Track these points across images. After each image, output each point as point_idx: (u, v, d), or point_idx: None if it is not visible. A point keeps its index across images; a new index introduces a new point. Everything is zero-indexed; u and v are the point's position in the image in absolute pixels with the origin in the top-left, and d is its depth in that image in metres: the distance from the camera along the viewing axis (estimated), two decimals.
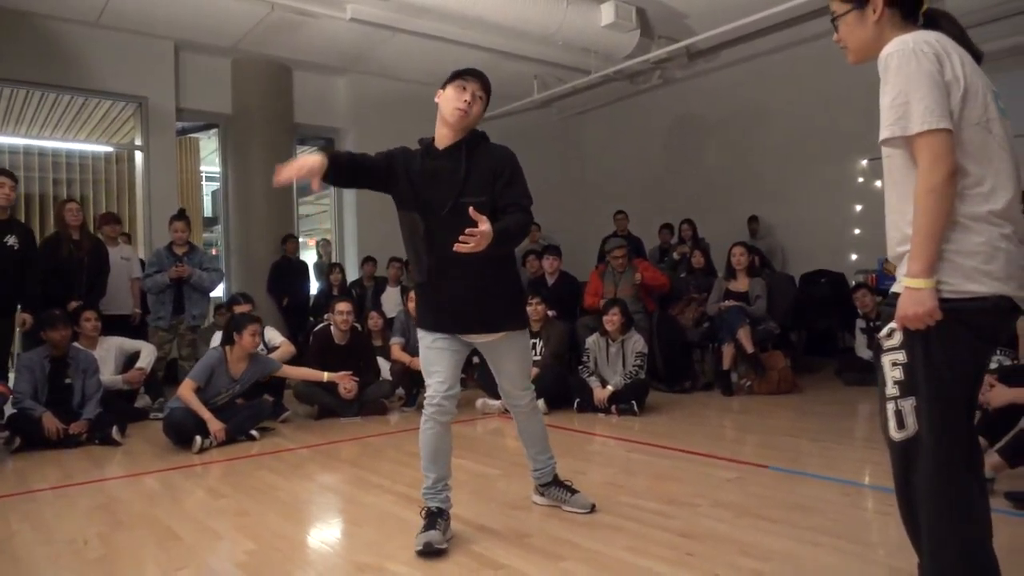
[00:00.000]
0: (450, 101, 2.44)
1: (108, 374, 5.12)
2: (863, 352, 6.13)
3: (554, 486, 2.90)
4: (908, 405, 1.55)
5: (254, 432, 4.56)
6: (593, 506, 2.82)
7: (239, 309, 5.26)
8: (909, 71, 1.53)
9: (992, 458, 2.88)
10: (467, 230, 2.17)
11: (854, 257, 7.69)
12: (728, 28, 6.91)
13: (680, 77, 9.13)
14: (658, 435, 4.35)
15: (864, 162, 7.70)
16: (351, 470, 3.77)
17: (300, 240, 7.94)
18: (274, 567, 2.40)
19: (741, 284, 6.04)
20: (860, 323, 6.23)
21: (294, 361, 5.48)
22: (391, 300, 7.48)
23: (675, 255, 8.07)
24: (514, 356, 2.69)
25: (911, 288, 1.52)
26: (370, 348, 5.65)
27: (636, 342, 5.23)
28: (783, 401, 5.41)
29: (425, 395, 2.58)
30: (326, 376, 4.95)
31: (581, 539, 2.55)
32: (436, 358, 2.55)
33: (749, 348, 5.64)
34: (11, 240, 4.75)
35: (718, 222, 8.43)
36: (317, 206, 13.66)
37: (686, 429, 4.55)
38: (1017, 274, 1.54)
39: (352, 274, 8.43)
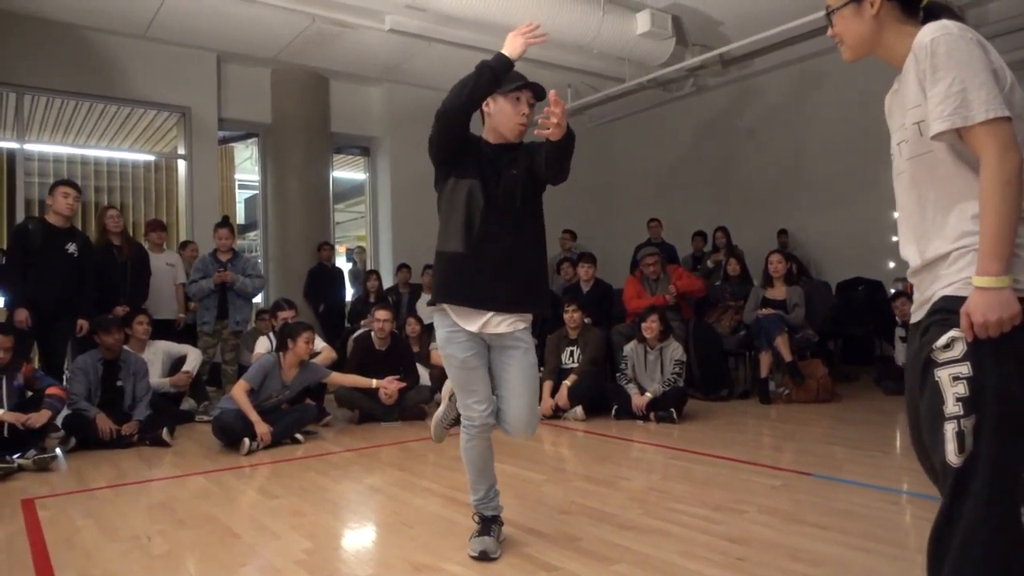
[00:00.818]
0: (509, 117, 2.41)
1: (155, 377, 5.27)
2: (901, 360, 6.07)
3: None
4: (970, 425, 1.37)
5: (298, 435, 4.66)
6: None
7: (283, 315, 5.38)
8: (961, 57, 1.41)
9: None
10: (547, 109, 2.18)
11: (892, 265, 7.61)
12: (763, 36, 6.91)
13: (713, 84, 9.13)
14: (697, 442, 4.37)
15: None
16: (396, 473, 3.84)
17: (328, 246, 8.07)
18: (333, 565, 2.47)
19: (778, 292, 6.03)
20: (900, 331, 6.18)
21: (334, 366, 5.60)
22: (426, 307, 7.57)
23: (709, 263, 8.06)
24: (523, 365, 2.45)
25: (987, 288, 1.35)
26: (409, 353, 5.74)
27: (675, 350, 5.25)
28: (822, 409, 5.38)
29: (461, 412, 2.50)
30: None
31: (631, 543, 2.59)
32: (471, 378, 2.43)
33: (787, 356, 5.62)
34: (72, 247, 4.93)
35: (752, 229, 8.41)
36: (351, 213, 13.86)
37: (725, 437, 4.55)
38: None
39: (387, 281, 8.54)
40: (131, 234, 6.14)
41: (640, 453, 4.26)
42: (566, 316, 5.57)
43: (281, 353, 4.72)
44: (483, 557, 2.44)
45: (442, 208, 2.49)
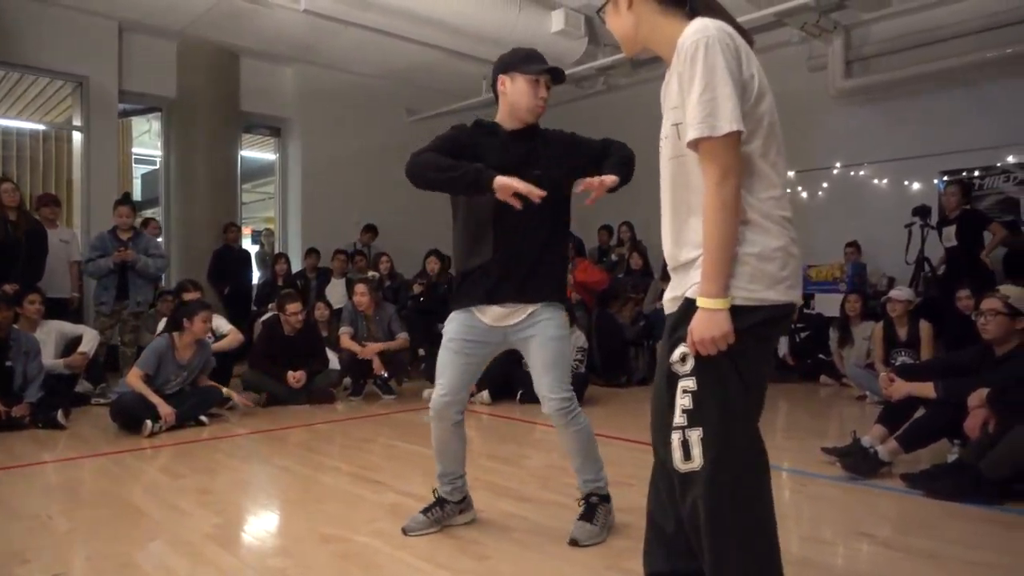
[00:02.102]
0: (526, 97, 2.35)
1: (48, 358, 5.06)
2: (782, 352, 6.61)
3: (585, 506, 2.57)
4: (696, 436, 1.47)
5: (203, 418, 4.62)
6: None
7: (188, 296, 5.29)
8: (715, 63, 1.41)
9: (890, 444, 3.27)
10: (586, 182, 2.18)
11: None
12: None
13: (624, 84, 9.48)
14: (596, 424, 4.57)
15: (791, 174, 8.23)
16: (304, 453, 3.90)
17: (234, 227, 7.90)
18: (243, 539, 2.54)
19: None
20: None
21: (241, 350, 5.56)
22: (336, 292, 7.55)
23: (613, 256, 8.41)
24: (545, 340, 2.41)
25: (704, 309, 1.43)
26: (319, 338, 5.75)
27: (577, 338, 5.51)
28: None
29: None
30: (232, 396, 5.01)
31: (529, 513, 2.79)
32: (447, 362, 2.47)
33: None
34: None
35: (658, 225, 8.78)
36: (257, 194, 13.50)
37: (622, 420, 4.85)
38: (799, 283, 1.52)
39: (295, 265, 8.44)
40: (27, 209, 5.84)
41: (542, 435, 4.48)
42: None
43: (176, 334, 4.64)
44: (405, 531, 2.55)
45: (458, 216, 2.45)
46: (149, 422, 4.26)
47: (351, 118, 9.10)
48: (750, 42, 1.53)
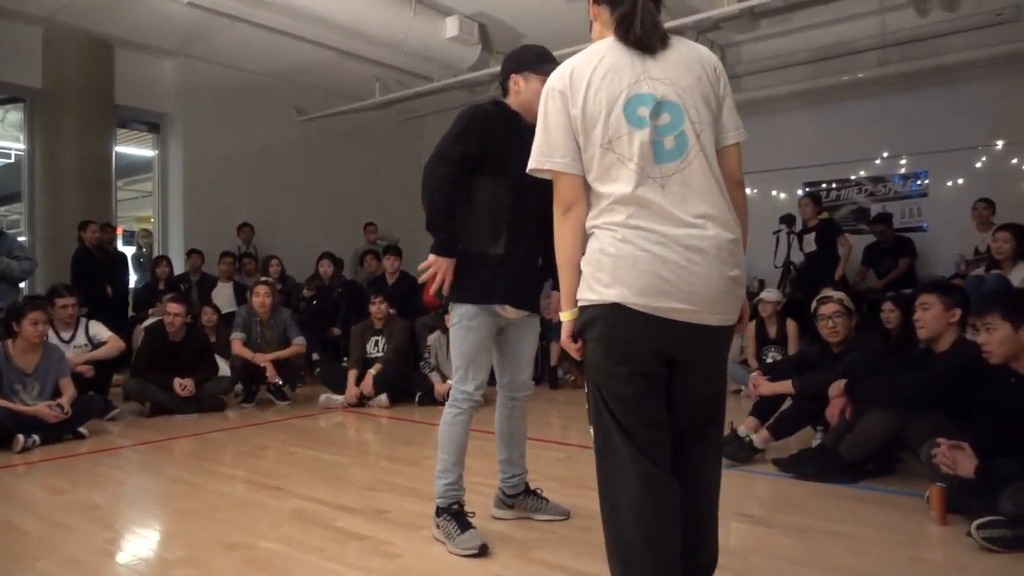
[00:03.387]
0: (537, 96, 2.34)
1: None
2: None
3: (526, 495, 2.79)
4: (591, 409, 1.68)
5: (82, 430, 4.35)
6: (568, 513, 2.75)
7: (61, 303, 4.95)
8: (545, 109, 1.65)
9: (762, 433, 3.59)
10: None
11: None
12: (562, 52, 7.52)
13: None
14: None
15: None
16: (196, 463, 3.78)
17: (109, 227, 7.35)
18: (141, 551, 2.46)
19: None
20: None
21: (122, 357, 5.27)
22: (223, 296, 7.27)
23: None
24: (534, 339, 2.67)
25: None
26: (206, 343, 5.55)
27: None
28: None
29: (458, 388, 2.53)
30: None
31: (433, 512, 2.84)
32: (483, 355, 2.52)
33: None
34: None
35: None
36: (130, 192, 12.72)
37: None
38: (631, 280, 1.52)
39: (177, 267, 8.04)
40: None
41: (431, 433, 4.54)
42: (372, 308, 5.72)
43: (10, 341, 4.30)
44: (483, 552, 2.36)
45: (476, 203, 2.43)
46: (21, 436, 3.98)
47: (237, 116, 8.78)
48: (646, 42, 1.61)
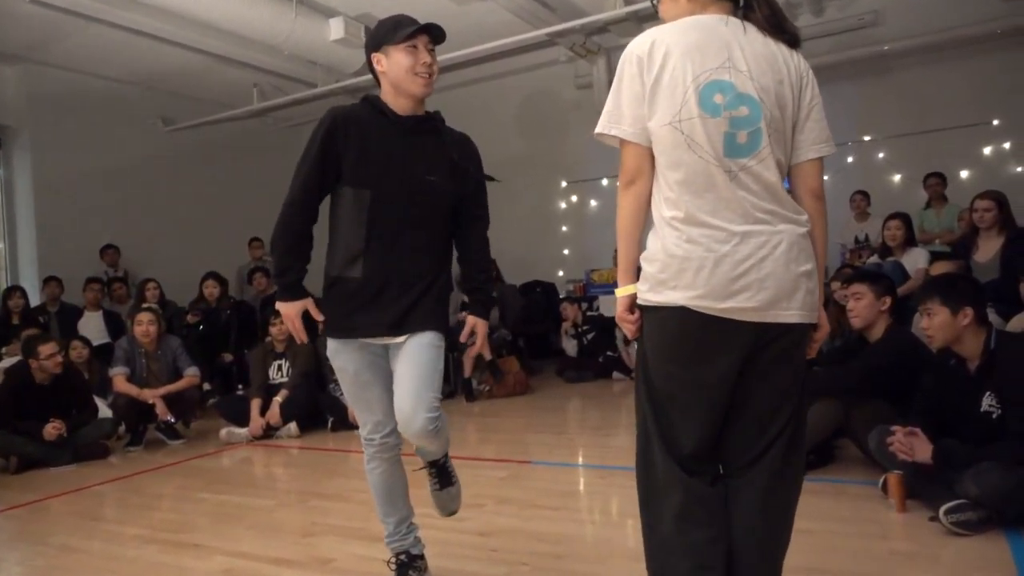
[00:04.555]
0: (408, 70, 2.02)
1: None
2: (572, 352, 6.96)
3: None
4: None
5: None
6: None
7: None
8: (620, 74, 1.56)
9: None
10: (469, 339, 2.15)
11: (561, 272, 8.70)
12: (450, 56, 7.32)
13: None
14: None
15: (563, 183, 8.78)
16: (86, 524, 3.27)
17: None
18: None
19: None
20: (567, 328, 7.05)
21: None
22: (92, 327, 6.51)
23: None
24: (421, 357, 2.07)
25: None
26: (82, 382, 4.90)
27: None
28: (519, 401, 5.91)
29: (360, 433, 2.22)
30: None
31: (384, 554, 2.53)
32: (363, 394, 2.14)
33: (487, 355, 6.05)
34: None
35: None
36: None
37: None
38: (700, 284, 1.47)
39: (32, 298, 7.13)
40: None
41: (359, 463, 4.21)
42: (272, 329, 5.28)
43: None
44: None
45: (338, 218, 2.10)
46: None
47: (94, 127, 7.92)
48: (786, 33, 1.58)
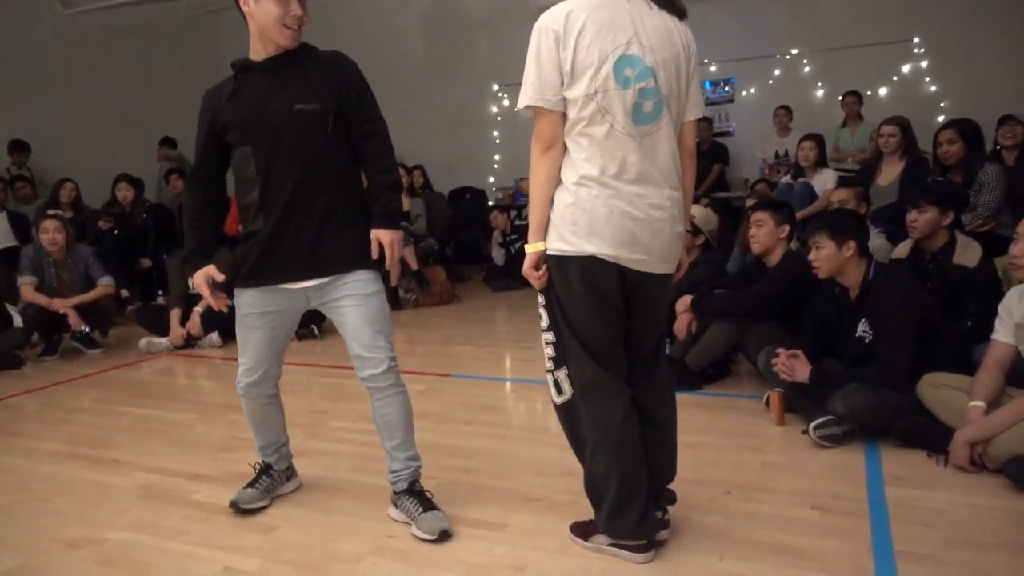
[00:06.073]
0: (276, 19, 1.98)
1: None
2: (501, 261, 7.05)
3: (407, 495, 2.22)
4: (562, 374, 1.89)
5: None
6: (443, 532, 2.12)
7: None
8: (537, 47, 1.72)
9: None
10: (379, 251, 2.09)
11: (492, 179, 8.65)
12: None
13: None
14: (343, 356, 4.54)
15: (495, 87, 8.59)
16: (5, 439, 3.27)
17: None
18: None
19: (403, 204, 6.41)
20: (496, 237, 7.12)
21: None
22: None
23: None
24: (360, 303, 2.13)
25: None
26: None
27: None
28: (445, 311, 6.02)
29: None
30: None
31: (303, 468, 2.66)
32: (246, 339, 2.22)
33: (413, 265, 6.10)
34: None
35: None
36: None
37: None
38: (606, 234, 1.72)
39: None
40: None
41: (291, 375, 4.26)
42: None
43: None
44: (234, 508, 2.33)
45: (236, 184, 2.18)
46: None
47: None
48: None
